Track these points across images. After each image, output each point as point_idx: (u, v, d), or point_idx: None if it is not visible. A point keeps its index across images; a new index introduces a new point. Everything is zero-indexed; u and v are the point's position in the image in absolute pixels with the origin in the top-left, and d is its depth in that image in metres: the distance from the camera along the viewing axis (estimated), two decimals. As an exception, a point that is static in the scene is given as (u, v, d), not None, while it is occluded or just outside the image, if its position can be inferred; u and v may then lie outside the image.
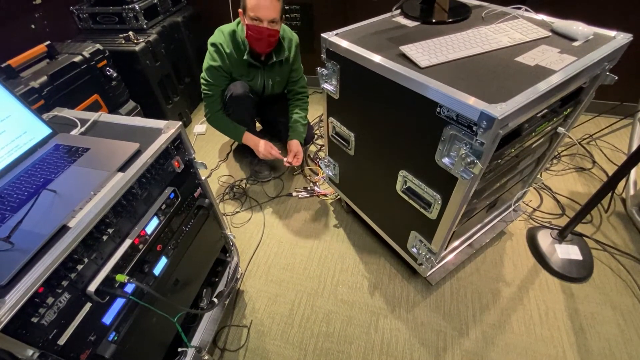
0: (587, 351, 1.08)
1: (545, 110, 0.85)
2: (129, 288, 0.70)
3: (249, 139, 1.57)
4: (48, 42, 1.41)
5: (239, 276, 1.23)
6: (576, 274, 1.25)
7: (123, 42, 1.74)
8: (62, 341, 0.58)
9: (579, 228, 1.37)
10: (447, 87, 0.73)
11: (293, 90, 1.65)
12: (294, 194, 1.67)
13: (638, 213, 1.40)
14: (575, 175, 1.65)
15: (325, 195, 1.65)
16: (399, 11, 1.12)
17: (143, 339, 0.78)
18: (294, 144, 1.59)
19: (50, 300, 0.55)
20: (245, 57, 1.40)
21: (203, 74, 1.46)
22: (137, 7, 1.79)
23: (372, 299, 1.25)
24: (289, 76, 1.60)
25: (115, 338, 0.69)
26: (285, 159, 1.56)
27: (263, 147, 1.54)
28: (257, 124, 1.98)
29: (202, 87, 1.48)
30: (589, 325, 1.13)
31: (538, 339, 1.11)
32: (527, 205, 1.52)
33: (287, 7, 2.07)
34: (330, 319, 1.20)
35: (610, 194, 1.48)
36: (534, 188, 1.58)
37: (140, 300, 0.72)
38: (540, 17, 0.99)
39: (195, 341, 0.99)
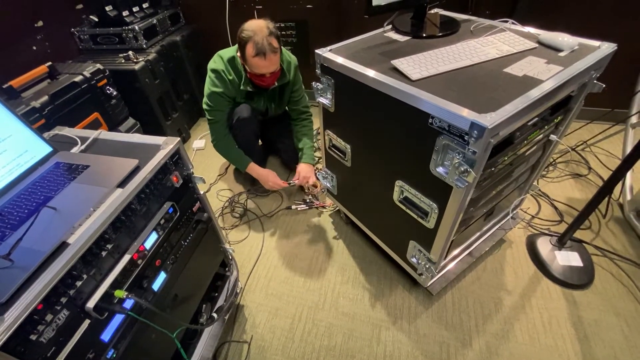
0: (593, 359, 1.06)
1: (536, 119, 0.87)
2: (128, 304, 0.70)
3: (253, 169, 1.57)
4: (49, 63, 1.45)
5: (238, 290, 1.23)
6: (577, 280, 1.25)
7: (123, 61, 1.78)
8: (60, 359, 0.58)
9: (578, 234, 1.37)
10: (438, 99, 0.75)
11: (296, 110, 1.64)
12: (293, 207, 1.67)
13: (636, 218, 1.41)
14: (571, 182, 1.66)
15: (324, 207, 1.66)
16: (390, 26, 1.16)
17: (142, 356, 0.78)
18: (303, 167, 1.57)
19: (49, 317, 0.55)
20: (242, 87, 1.40)
21: (205, 100, 1.44)
22: (136, 27, 1.84)
23: (374, 310, 1.24)
24: (290, 96, 1.61)
25: (114, 355, 0.68)
26: (293, 181, 1.58)
27: (271, 180, 1.55)
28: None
29: (206, 113, 1.46)
30: (593, 333, 1.12)
31: (542, 348, 1.10)
32: (525, 212, 1.53)
33: (282, 25, 2.13)
34: (331, 332, 1.19)
35: (607, 199, 1.49)
36: (531, 195, 1.59)
37: (139, 316, 0.72)
38: (527, 29, 1.02)
39: (195, 358, 0.98)
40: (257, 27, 1.22)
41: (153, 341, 0.80)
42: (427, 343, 1.14)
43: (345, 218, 1.54)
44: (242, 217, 1.65)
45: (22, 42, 1.66)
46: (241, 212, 1.68)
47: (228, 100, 1.45)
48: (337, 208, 1.56)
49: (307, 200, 1.69)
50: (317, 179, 1.53)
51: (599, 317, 1.16)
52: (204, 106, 1.46)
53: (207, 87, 1.42)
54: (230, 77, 1.40)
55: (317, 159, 1.92)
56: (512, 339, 1.13)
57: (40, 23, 1.72)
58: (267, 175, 1.56)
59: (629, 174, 1.51)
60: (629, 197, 1.48)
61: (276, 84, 1.44)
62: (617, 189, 1.50)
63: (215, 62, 1.41)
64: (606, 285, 1.24)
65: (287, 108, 1.71)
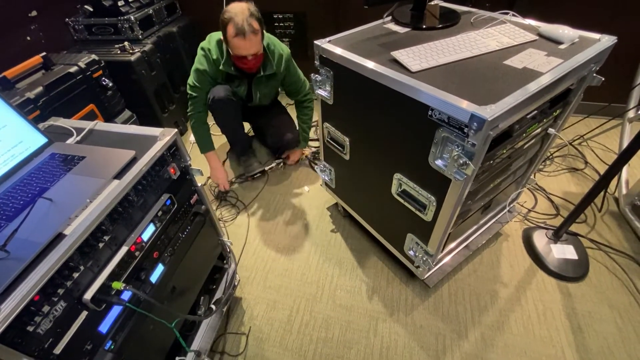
0: (586, 350, 1.08)
1: (535, 112, 0.87)
2: (126, 296, 0.69)
3: (211, 159, 1.64)
4: (44, 53, 1.42)
5: (236, 283, 1.23)
6: (572, 273, 1.26)
7: (119, 52, 1.76)
8: (58, 350, 0.58)
9: (574, 228, 1.39)
10: (438, 91, 0.74)
11: (297, 101, 1.67)
12: (267, 168, 1.81)
13: (631, 212, 1.42)
14: (568, 176, 1.67)
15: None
16: (390, 18, 1.15)
17: (140, 348, 0.78)
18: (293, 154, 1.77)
19: (46, 308, 0.55)
20: (221, 67, 1.40)
21: (191, 76, 1.47)
22: (132, 18, 1.81)
23: (371, 303, 1.25)
24: (277, 90, 1.62)
25: (112, 347, 0.69)
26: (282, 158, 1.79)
27: (220, 178, 1.65)
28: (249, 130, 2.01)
29: (188, 88, 1.49)
30: (586, 325, 1.14)
31: (537, 339, 1.11)
32: (521, 206, 1.53)
33: (280, 16, 2.10)
34: (329, 324, 1.20)
35: (602, 193, 1.50)
36: (528, 189, 1.60)
37: (137, 308, 0.72)
38: (527, 21, 1.01)
39: (194, 349, 0.99)
40: (238, 8, 1.24)
41: (151, 333, 0.81)
42: (424, 334, 1.15)
43: (343, 211, 1.54)
44: (241, 211, 1.64)
45: (15, 32, 1.63)
46: (239, 205, 1.67)
47: (210, 79, 1.46)
48: (336, 202, 1.56)
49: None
50: (313, 168, 1.59)
51: (593, 309, 1.17)
52: (189, 81, 1.48)
53: (195, 64, 1.45)
54: (215, 57, 1.41)
55: (314, 148, 1.92)
56: (507, 330, 1.14)
57: (34, 13, 1.69)
58: (219, 172, 1.65)
59: (624, 168, 1.51)
60: (624, 191, 1.49)
61: (262, 72, 1.44)
62: (613, 183, 1.51)
63: (205, 41, 1.44)
64: (600, 278, 1.26)
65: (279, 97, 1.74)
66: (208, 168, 1.88)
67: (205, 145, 1.60)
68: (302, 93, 1.64)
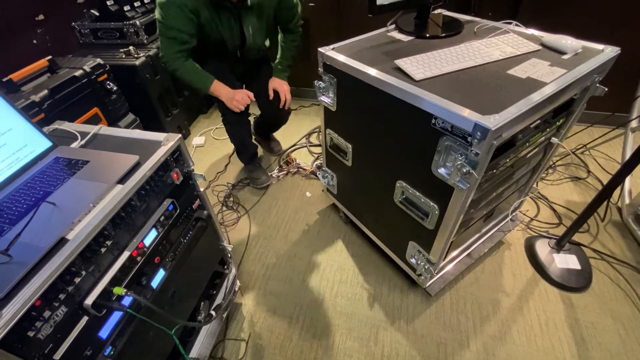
0: (589, 362, 1.07)
1: (538, 121, 0.87)
2: (127, 301, 0.69)
3: (218, 88, 1.37)
4: (49, 57, 1.43)
5: (237, 289, 1.22)
6: (575, 283, 1.25)
7: (123, 56, 1.77)
8: (57, 356, 0.57)
9: (577, 237, 1.38)
10: (442, 99, 0.75)
11: (287, 28, 1.49)
12: (274, 174, 1.83)
13: (634, 222, 1.41)
14: (571, 185, 1.66)
15: (303, 168, 1.84)
16: (393, 26, 1.16)
17: (140, 354, 0.77)
18: (275, 82, 1.49)
19: (47, 313, 0.55)
20: None
21: (157, 11, 1.19)
22: (137, 22, 1.82)
23: (372, 310, 1.24)
24: (269, 23, 1.42)
25: (112, 352, 0.68)
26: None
27: (239, 95, 1.37)
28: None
29: (158, 25, 1.22)
30: (589, 336, 1.13)
31: (539, 350, 1.10)
32: (524, 214, 1.53)
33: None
34: (329, 331, 1.19)
35: (605, 203, 1.49)
36: (530, 198, 1.59)
37: (138, 314, 0.71)
38: (530, 31, 1.02)
39: (193, 355, 0.98)
40: None
41: (151, 338, 0.80)
42: (425, 343, 1.14)
43: (345, 217, 1.54)
44: (242, 216, 1.64)
45: (22, 35, 1.65)
46: (240, 209, 1.67)
47: (189, 14, 1.19)
48: (335, 204, 1.56)
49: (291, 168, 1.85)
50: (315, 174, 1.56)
51: (596, 320, 1.16)
52: (157, 17, 1.21)
53: None
54: None
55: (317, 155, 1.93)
56: (509, 340, 1.13)
57: (41, 16, 1.71)
58: (234, 92, 1.39)
59: (627, 178, 1.51)
60: (627, 201, 1.49)
61: (249, 2, 1.24)
62: (616, 192, 1.51)
63: None
64: (603, 288, 1.25)
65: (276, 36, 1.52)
66: (214, 174, 1.89)
67: (206, 80, 1.36)
68: (295, 19, 1.44)
